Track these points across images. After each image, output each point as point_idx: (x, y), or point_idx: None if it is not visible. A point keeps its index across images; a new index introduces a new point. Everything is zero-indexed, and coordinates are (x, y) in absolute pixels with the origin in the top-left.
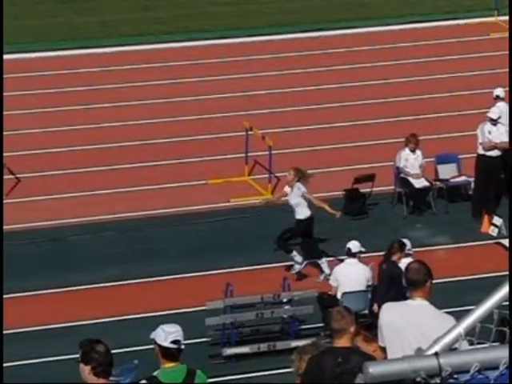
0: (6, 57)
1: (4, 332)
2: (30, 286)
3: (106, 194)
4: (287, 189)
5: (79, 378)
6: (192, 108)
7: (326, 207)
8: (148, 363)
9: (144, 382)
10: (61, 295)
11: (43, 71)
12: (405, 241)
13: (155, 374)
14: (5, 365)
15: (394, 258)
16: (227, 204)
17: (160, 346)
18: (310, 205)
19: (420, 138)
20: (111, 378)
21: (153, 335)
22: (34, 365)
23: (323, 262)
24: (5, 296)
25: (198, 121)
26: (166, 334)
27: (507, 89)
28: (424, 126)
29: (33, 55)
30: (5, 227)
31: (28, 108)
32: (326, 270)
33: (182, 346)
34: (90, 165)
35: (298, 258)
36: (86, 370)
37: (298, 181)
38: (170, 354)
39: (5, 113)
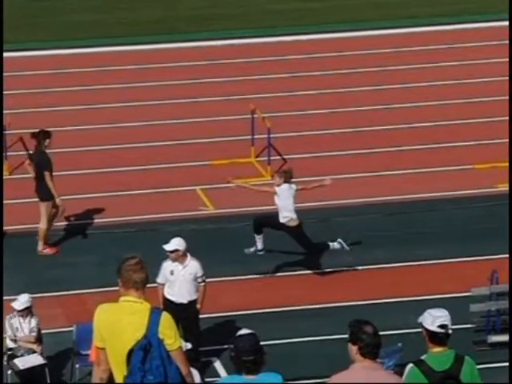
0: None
1: (274, 310)
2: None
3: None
4: (276, 189)
5: (347, 357)
6: (448, 92)
7: (313, 184)
8: (410, 347)
9: (411, 365)
10: (328, 276)
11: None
12: None
13: (423, 357)
14: (278, 342)
15: None
16: (493, 190)
17: (427, 329)
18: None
19: None
20: (377, 360)
21: (420, 319)
22: (303, 343)
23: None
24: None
25: (463, 105)
26: (433, 319)
27: None
28: None
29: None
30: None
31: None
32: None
33: (450, 331)
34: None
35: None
36: (353, 350)
37: (285, 182)
38: (437, 338)
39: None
